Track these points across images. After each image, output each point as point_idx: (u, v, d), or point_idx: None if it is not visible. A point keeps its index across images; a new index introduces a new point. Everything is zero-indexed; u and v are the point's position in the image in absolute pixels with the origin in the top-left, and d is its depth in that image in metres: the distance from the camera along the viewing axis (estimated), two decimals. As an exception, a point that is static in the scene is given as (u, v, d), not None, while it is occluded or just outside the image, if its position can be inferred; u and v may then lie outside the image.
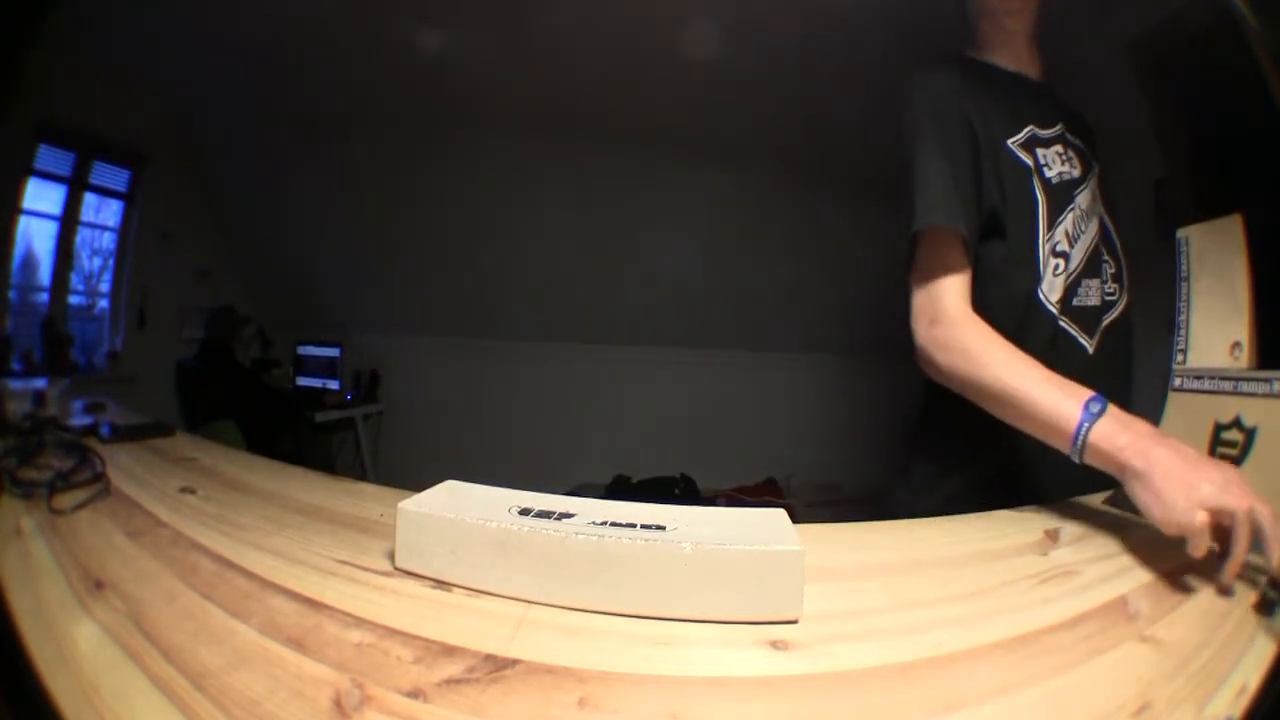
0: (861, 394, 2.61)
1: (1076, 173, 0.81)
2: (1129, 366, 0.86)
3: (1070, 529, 0.61)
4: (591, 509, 0.48)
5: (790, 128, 2.12)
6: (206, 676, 0.34)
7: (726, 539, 0.42)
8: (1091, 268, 0.81)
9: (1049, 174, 0.80)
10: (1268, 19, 0.44)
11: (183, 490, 0.67)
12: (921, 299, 0.76)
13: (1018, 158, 0.79)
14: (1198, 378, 0.70)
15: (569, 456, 2.59)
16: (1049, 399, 0.63)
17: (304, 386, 2.53)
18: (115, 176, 1.93)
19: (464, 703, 0.33)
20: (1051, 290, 0.78)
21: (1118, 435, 0.57)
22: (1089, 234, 0.81)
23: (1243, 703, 0.33)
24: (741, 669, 0.37)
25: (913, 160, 0.78)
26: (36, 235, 1.77)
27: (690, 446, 2.68)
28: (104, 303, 1.99)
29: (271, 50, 1.81)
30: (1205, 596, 0.46)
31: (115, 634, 0.38)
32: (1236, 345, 0.68)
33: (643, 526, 0.44)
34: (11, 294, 1.71)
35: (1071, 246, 0.79)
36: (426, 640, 0.39)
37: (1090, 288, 0.81)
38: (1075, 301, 0.80)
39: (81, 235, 1.89)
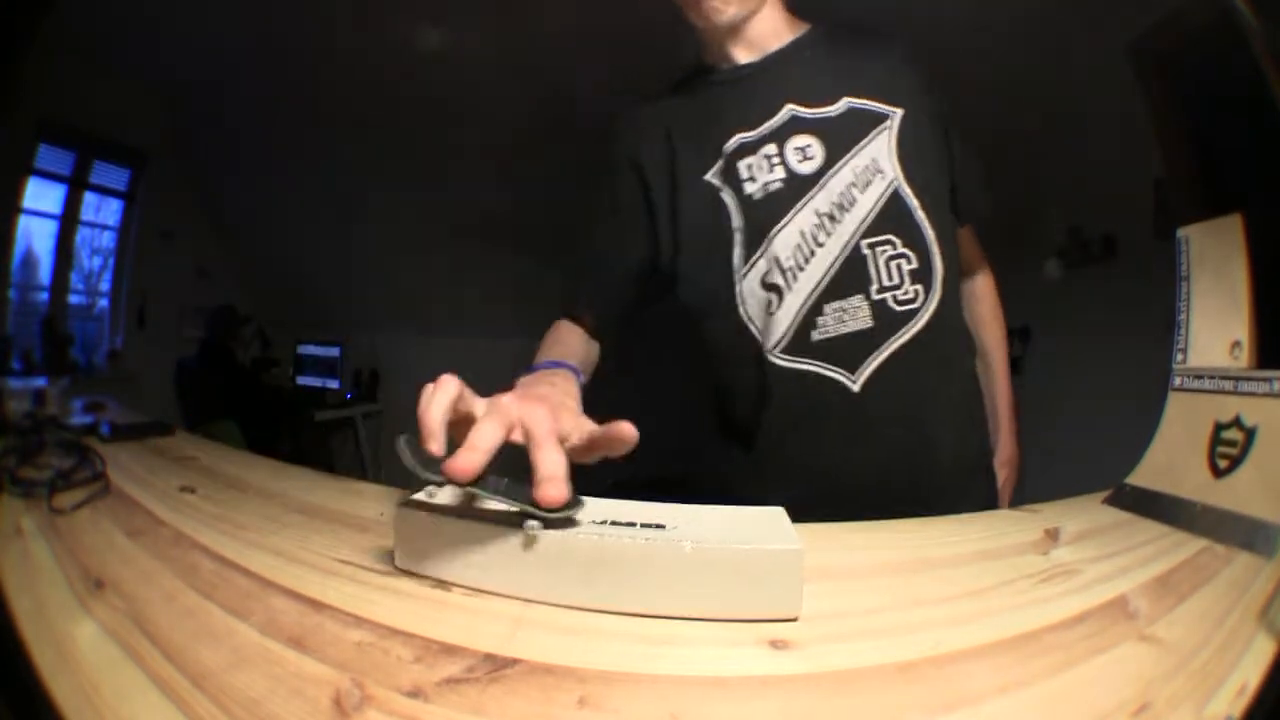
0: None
1: (813, 163, 0.67)
2: (950, 390, 0.71)
3: (1070, 528, 0.61)
4: (591, 508, 0.48)
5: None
6: (206, 676, 0.34)
7: (726, 538, 0.42)
8: (849, 282, 0.66)
9: (749, 190, 0.68)
10: (1268, 19, 0.44)
11: (183, 489, 0.67)
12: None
13: (714, 188, 0.69)
14: (1198, 377, 0.70)
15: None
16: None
17: (304, 386, 2.52)
18: (115, 176, 1.93)
19: (464, 702, 0.33)
20: (768, 330, 0.68)
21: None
22: (836, 241, 0.66)
23: (1243, 702, 0.33)
24: (741, 668, 0.37)
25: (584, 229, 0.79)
26: (36, 234, 1.77)
27: (690, 445, 2.68)
28: (104, 302, 1.99)
29: (272, 50, 1.81)
30: (1206, 596, 0.46)
31: (115, 633, 0.38)
32: (1236, 345, 0.68)
33: (642, 525, 0.44)
34: (11, 293, 1.71)
35: (798, 269, 0.66)
36: (426, 640, 0.39)
37: (844, 310, 0.66)
38: (817, 334, 0.67)
39: (81, 234, 1.89)
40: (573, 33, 1.84)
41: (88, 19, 1.45)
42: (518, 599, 0.43)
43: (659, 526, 0.44)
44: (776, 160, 0.68)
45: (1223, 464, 0.62)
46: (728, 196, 0.69)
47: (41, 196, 1.75)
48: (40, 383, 1.00)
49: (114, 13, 1.59)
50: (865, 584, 0.50)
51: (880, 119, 0.68)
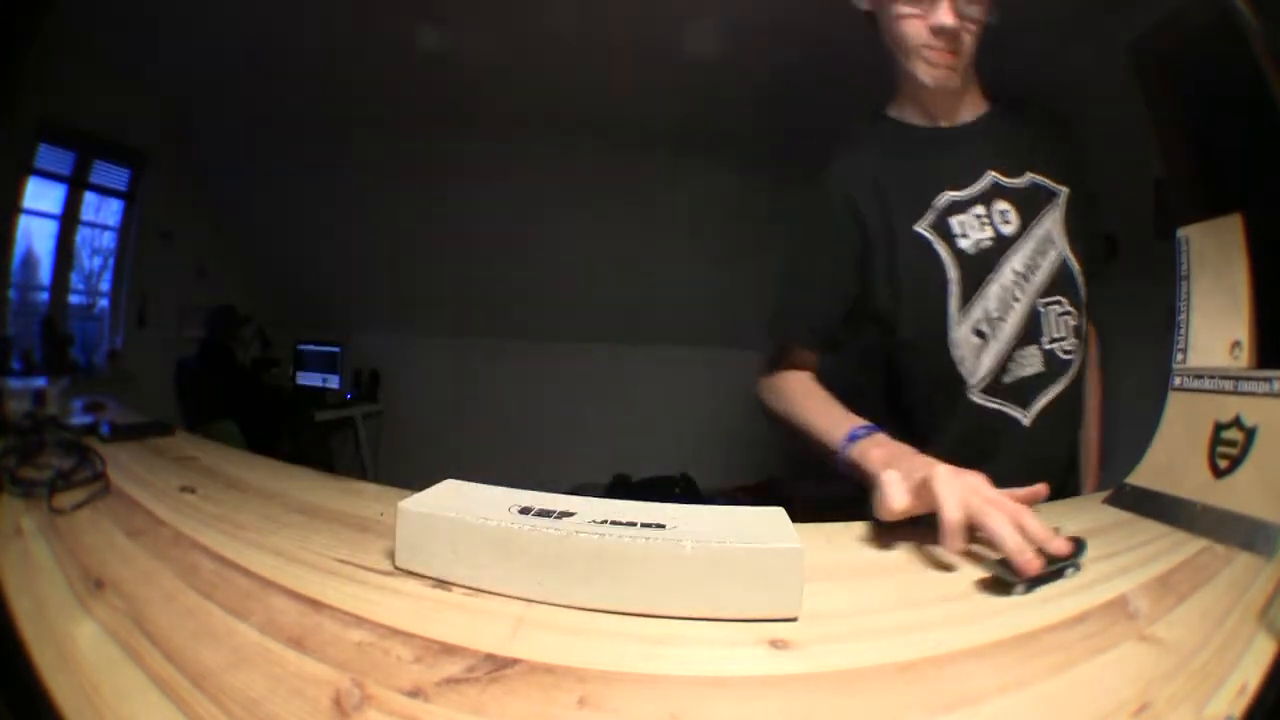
0: (862, 394, 2.61)
1: (1011, 227, 0.76)
2: (1074, 432, 0.84)
3: (1070, 528, 0.61)
4: (591, 508, 0.48)
5: (790, 128, 2.12)
6: (206, 676, 0.34)
7: (726, 537, 0.42)
8: (1030, 333, 0.77)
9: (962, 244, 0.75)
10: (1268, 19, 0.44)
11: (183, 489, 0.67)
12: (765, 371, 0.86)
13: (925, 240, 0.76)
14: (1198, 377, 0.70)
15: (569, 456, 2.59)
16: (823, 427, 0.73)
17: (304, 386, 2.52)
18: (115, 176, 1.93)
19: (464, 702, 0.33)
20: (974, 371, 0.77)
21: (869, 451, 0.65)
22: (1026, 298, 0.76)
23: (1243, 702, 0.33)
24: (741, 668, 0.37)
25: (786, 261, 0.86)
26: (36, 234, 1.77)
27: (690, 446, 2.68)
28: (104, 302, 1.98)
29: (272, 50, 1.81)
30: (1206, 596, 0.46)
31: (115, 633, 0.38)
32: (1236, 344, 0.67)
33: (643, 525, 0.44)
34: (12, 293, 1.71)
35: (995, 327, 0.75)
36: (426, 640, 0.39)
37: (1025, 357, 0.77)
38: (1007, 378, 0.77)
39: (81, 234, 1.89)
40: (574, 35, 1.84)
41: (88, 19, 1.45)
42: (518, 599, 0.44)
43: (659, 526, 0.44)
44: (985, 220, 0.77)
45: (1223, 464, 0.62)
46: (941, 249, 0.76)
47: (42, 196, 1.75)
48: (40, 383, 1.00)
49: (114, 13, 1.59)
50: (865, 584, 0.50)
51: (1053, 195, 0.79)
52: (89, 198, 1.88)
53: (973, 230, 0.76)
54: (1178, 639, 0.40)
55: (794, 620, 0.42)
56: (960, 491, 0.53)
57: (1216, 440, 0.65)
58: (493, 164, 2.30)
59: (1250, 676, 0.35)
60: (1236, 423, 0.63)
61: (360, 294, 2.54)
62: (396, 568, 0.48)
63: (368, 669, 0.35)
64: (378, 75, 1.96)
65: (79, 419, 0.95)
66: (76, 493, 0.62)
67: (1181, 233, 0.76)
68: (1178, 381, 0.73)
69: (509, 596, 0.44)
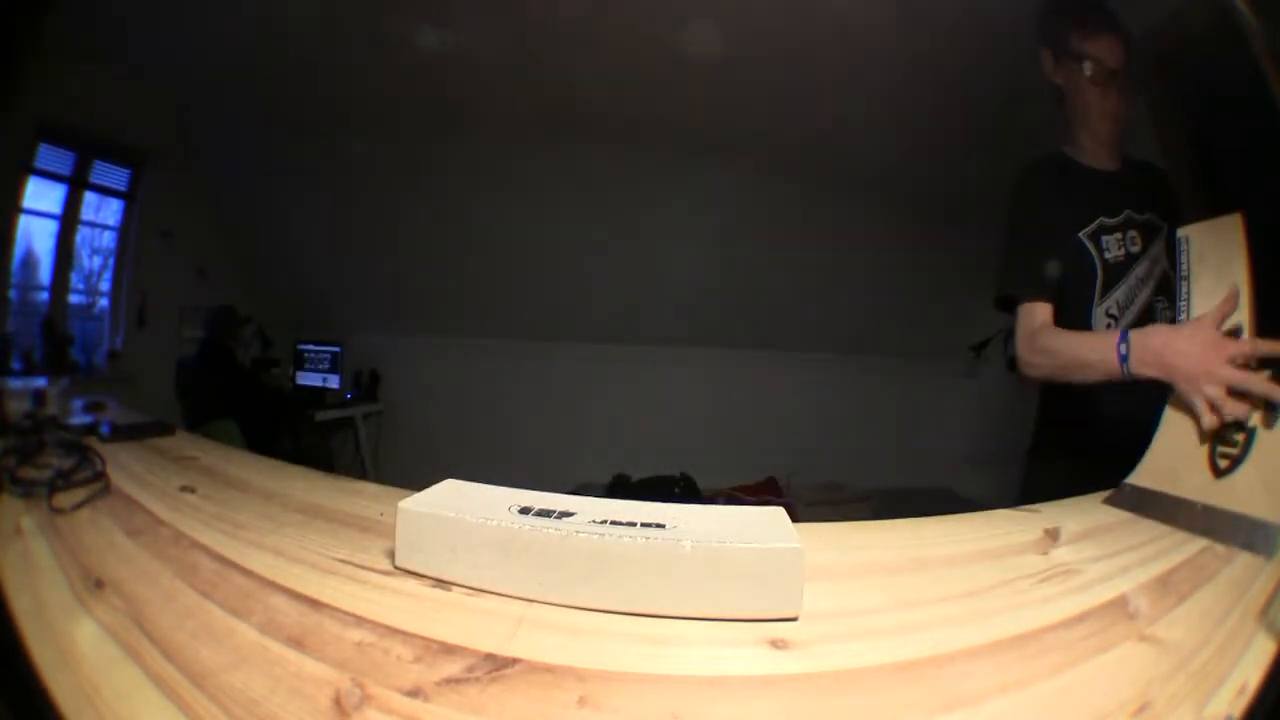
0: (863, 394, 2.61)
1: (1137, 248, 1.04)
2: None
3: (1070, 528, 0.61)
4: (591, 508, 0.48)
5: (798, 126, 2.13)
6: (206, 675, 0.34)
7: (726, 537, 0.42)
8: (1146, 319, 1.03)
9: (1108, 256, 1.05)
10: (1268, 19, 0.44)
11: (183, 489, 0.67)
12: (1020, 329, 1.05)
13: (1084, 246, 1.04)
14: (1198, 377, 0.70)
15: (569, 456, 2.59)
16: (1096, 350, 0.89)
17: (304, 386, 2.52)
18: (115, 176, 1.93)
19: (464, 702, 0.33)
20: None
21: (1147, 346, 0.80)
22: (1141, 298, 1.04)
23: (1243, 702, 0.33)
24: (741, 667, 0.37)
25: (1006, 240, 1.10)
26: (37, 234, 1.77)
27: (690, 445, 2.68)
28: (104, 302, 1.98)
29: (272, 49, 1.81)
30: (1206, 595, 0.46)
31: (115, 633, 0.38)
32: (1236, 344, 0.67)
33: (643, 525, 0.44)
34: (12, 293, 1.71)
35: (1122, 312, 1.04)
36: (426, 639, 0.39)
37: None
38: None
39: (81, 234, 1.89)
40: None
41: (88, 19, 1.45)
42: (518, 599, 0.43)
43: (659, 526, 0.44)
44: (1120, 242, 1.04)
45: (1223, 464, 0.62)
46: (1094, 254, 1.04)
47: (42, 196, 1.75)
48: (40, 383, 1.00)
49: (114, 13, 1.59)
50: (865, 583, 0.50)
51: (1160, 228, 1.05)
52: (89, 197, 1.88)
53: (1113, 247, 1.05)
54: (1178, 639, 0.40)
55: (794, 620, 0.42)
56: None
57: (1217, 439, 0.65)
58: (493, 164, 2.30)
59: (1250, 676, 0.35)
60: (1237, 423, 0.63)
61: (360, 294, 2.54)
62: (396, 567, 0.48)
63: (368, 669, 0.35)
64: (378, 75, 1.96)
65: (79, 419, 0.95)
66: (76, 492, 0.62)
67: (1181, 232, 0.76)
68: (1178, 381, 0.73)
69: (509, 596, 0.44)
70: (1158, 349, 0.77)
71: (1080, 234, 1.06)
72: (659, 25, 1.73)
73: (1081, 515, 0.65)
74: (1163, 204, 1.09)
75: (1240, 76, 0.48)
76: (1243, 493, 0.58)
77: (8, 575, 0.41)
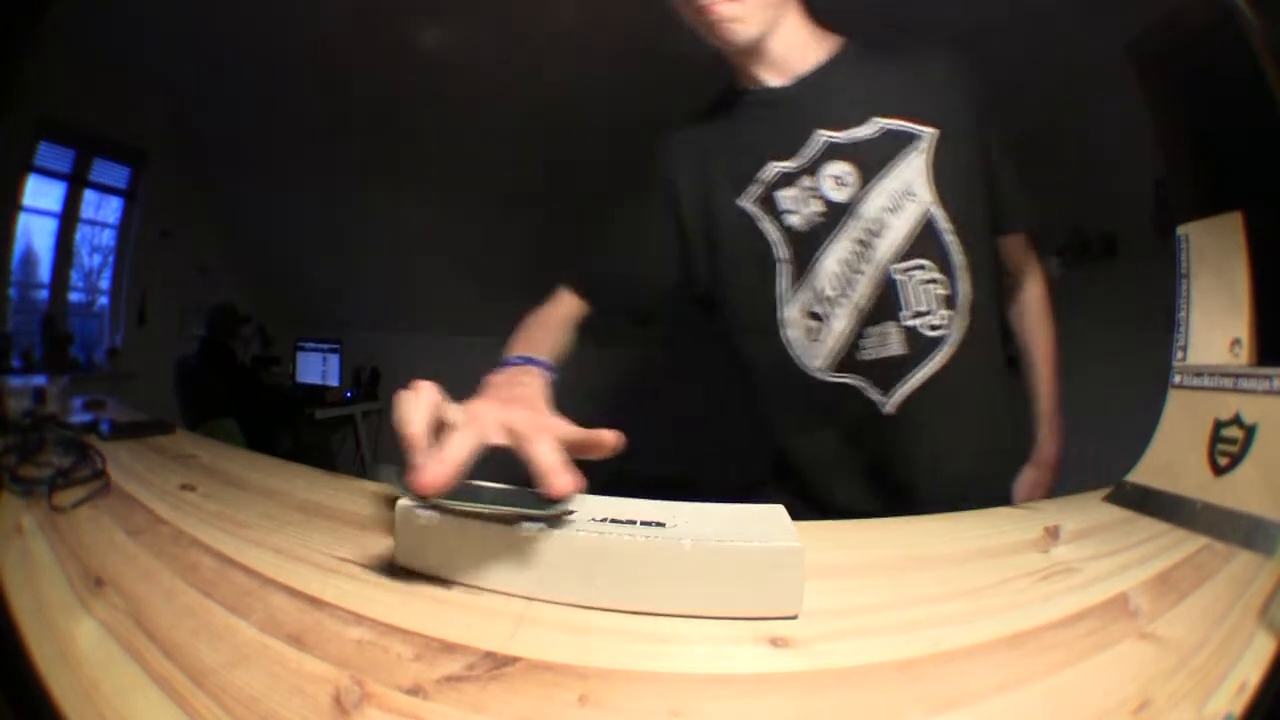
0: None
1: (845, 192, 0.66)
2: (966, 426, 0.71)
3: (1070, 526, 0.61)
4: (591, 506, 0.48)
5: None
6: (206, 674, 0.34)
7: (726, 535, 0.42)
8: (884, 308, 0.67)
9: (793, 220, 0.68)
10: (1268, 18, 0.44)
11: (183, 488, 0.67)
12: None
13: (750, 216, 0.69)
14: (1197, 375, 0.70)
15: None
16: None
17: (304, 384, 2.52)
18: (115, 174, 1.93)
19: (464, 700, 0.33)
20: (812, 357, 0.69)
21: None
22: (872, 268, 0.66)
23: (1243, 700, 0.33)
24: (741, 666, 0.37)
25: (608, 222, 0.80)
26: (36, 232, 1.77)
27: (690, 445, 2.68)
28: (104, 300, 1.98)
29: (272, 49, 1.80)
30: (1206, 593, 0.46)
31: (115, 631, 0.38)
32: (1236, 342, 0.67)
33: (642, 523, 0.44)
34: (11, 291, 1.71)
35: (841, 297, 0.67)
36: (426, 638, 0.39)
37: (882, 336, 0.67)
38: (860, 356, 0.68)
39: (81, 232, 1.89)
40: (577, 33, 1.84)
41: (88, 19, 1.45)
42: (518, 597, 0.43)
43: (659, 524, 0.44)
44: (813, 192, 0.67)
45: (1223, 461, 0.62)
46: (768, 226, 0.69)
47: (41, 194, 1.75)
48: (40, 381, 1.00)
49: (114, 13, 1.59)
50: (865, 582, 0.50)
51: (913, 139, 0.66)
52: (89, 195, 1.88)
53: (800, 205, 0.67)
54: (1178, 637, 0.40)
55: (794, 618, 0.42)
56: (481, 410, 0.48)
57: (1216, 438, 0.65)
58: (494, 164, 2.29)
59: (1250, 674, 0.35)
60: (1236, 420, 0.63)
61: (360, 292, 2.54)
62: (397, 565, 0.48)
63: (367, 667, 0.35)
64: (378, 74, 1.96)
65: (79, 417, 0.95)
66: (76, 491, 0.62)
67: (1181, 230, 0.76)
68: (1178, 379, 0.73)
69: (509, 594, 0.44)
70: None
71: (740, 201, 0.70)
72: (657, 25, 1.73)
73: (1081, 513, 0.65)
74: (924, 96, 0.67)
75: (1240, 76, 0.48)
76: (1242, 490, 0.58)
77: (8, 573, 0.42)
